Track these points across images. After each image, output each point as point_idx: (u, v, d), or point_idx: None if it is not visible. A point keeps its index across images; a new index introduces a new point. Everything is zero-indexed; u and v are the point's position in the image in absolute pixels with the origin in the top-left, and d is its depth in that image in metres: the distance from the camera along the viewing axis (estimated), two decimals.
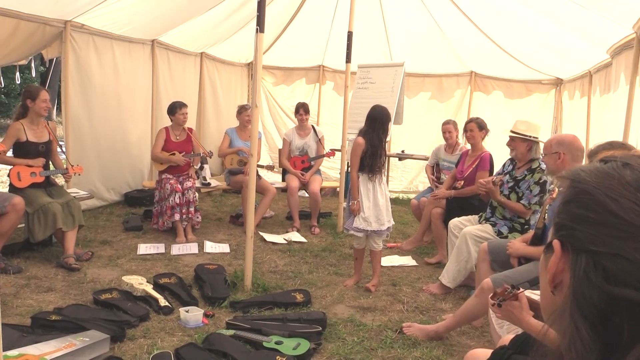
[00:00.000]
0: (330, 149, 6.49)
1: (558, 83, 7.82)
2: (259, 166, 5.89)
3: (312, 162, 6.29)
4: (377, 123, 4.08)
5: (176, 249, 4.93)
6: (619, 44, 4.28)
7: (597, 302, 0.65)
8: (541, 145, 3.97)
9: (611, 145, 2.31)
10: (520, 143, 3.92)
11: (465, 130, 5.05)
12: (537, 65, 7.44)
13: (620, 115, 4.07)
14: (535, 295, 2.10)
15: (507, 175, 4.03)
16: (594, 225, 0.67)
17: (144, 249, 4.88)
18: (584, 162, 3.08)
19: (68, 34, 5.43)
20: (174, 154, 5.48)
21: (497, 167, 4.85)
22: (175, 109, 5.52)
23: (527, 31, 6.15)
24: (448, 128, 5.64)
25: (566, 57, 6.26)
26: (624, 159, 0.72)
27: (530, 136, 3.91)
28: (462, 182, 4.85)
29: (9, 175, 4.41)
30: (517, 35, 6.48)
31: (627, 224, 0.65)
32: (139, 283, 3.78)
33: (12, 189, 4.36)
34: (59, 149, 4.83)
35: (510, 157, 4.15)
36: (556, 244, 0.72)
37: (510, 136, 4.00)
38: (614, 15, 3.74)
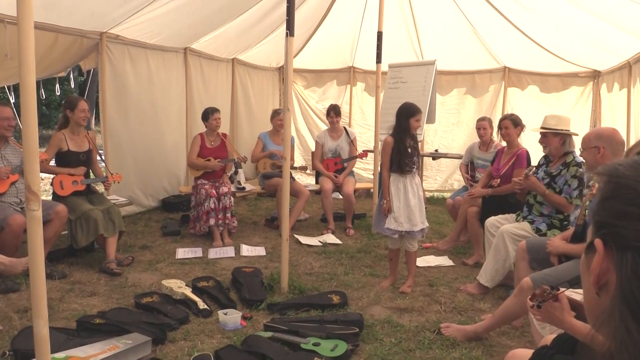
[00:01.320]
0: (363, 150, 6.48)
1: (596, 75, 7.60)
2: (292, 168, 5.93)
3: (345, 164, 6.29)
4: (402, 119, 4.05)
5: (213, 253, 5.00)
6: None
7: None
8: (574, 138, 3.89)
9: None
10: (553, 138, 3.83)
11: (499, 127, 4.98)
12: (572, 58, 7.26)
13: None
14: (576, 294, 2.04)
15: (540, 171, 3.94)
16: (638, 220, 0.64)
17: (182, 253, 4.97)
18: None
19: (104, 45, 5.58)
20: (209, 160, 5.57)
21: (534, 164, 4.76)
22: (207, 114, 5.61)
23: (561, 24, 6.02)
24: (483, 124, 5.57)
25: (603, 48, 6.08)
26: None
27: (562, 129, 3.83)
28: (499, 180, 4.77)
29: (52, 184, 4.58)
30: (550, 29, 6.34)
31: None
32: (178, 287, 3.86)
33: (55, 197, 4.52)
34: (98, 158, 4.97)
35: (544, 154, 4.06)
36: (598, 243, 0.68)
37: (541, 133, 3.91)
38: None
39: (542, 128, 3.91)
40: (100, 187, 5.28)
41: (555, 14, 5.69)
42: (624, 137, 4.49)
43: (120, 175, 4.84)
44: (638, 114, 5.38)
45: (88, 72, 6.29)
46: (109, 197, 5.15)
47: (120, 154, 5.98)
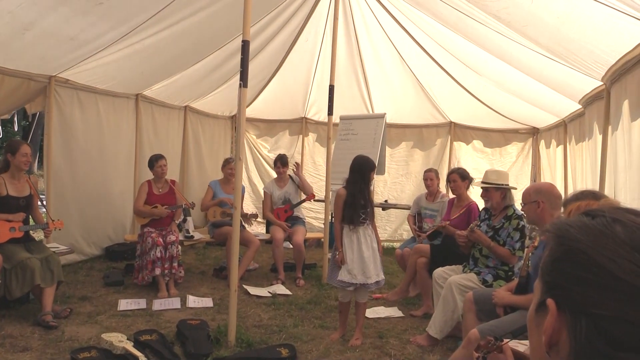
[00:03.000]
0: (311, 193, 6.48)
1: (535, 132, 8.04)
2: (242, 216, 5.87)
3: (295, 210, 6.29)
4: (356, 174, 4.10)
5: (158, 304, 4.82)
6: (590, 95, 4.44)
7: None
8: (513, 192, 4.08)
9: (582, 195, 2.36)
10: (494, 192, 4.01)
11: (448, 180, 5.15)
12: (513, 115, 7.67)
13: (596, 162, 4.18)
14: (520, 345, 2.08)
15: (483, 224, 4.09)
16: (592, 287, 0.64)
17: (125, 304, 4.77)
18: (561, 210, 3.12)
19: (52, 89, 5.48)
20: (156, 207, 5.45)
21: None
22: (152, 162, 5.56)
23: (501, 83, 6.37)
24: (429, 175, 5.74)
25: (541, 108, 6.46)
26: (612, 213, 0.69)
27: (502, 184, 4.01)
28: (448, 222, 4.89)
29: None
30: (493, 87, 6.70)
31: (629, 286, 0.62)
32: (119, 341, 3.68)
33: None
34: (39, 203, 4.77)
35: (484, 207, 4.23)
36: (551, 304, 0.68)
37: (482, 187, 4.08)
38: (584, 68, 3.90)
39: (483, 183, 4.08)
40: (39, 235, 5.05)
41: (496, 74, 6.03)
42: (562, 192, 4.72)
43: (61, 222, 4.64)
44: (574, 170, 5.69)
45: (33, 115, 6.13)
46: (48, 245, 4.92)
47: (64, 200, 5.77)
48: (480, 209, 4.86)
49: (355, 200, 4.04)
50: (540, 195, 3.13)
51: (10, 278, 4.14)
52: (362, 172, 4.09)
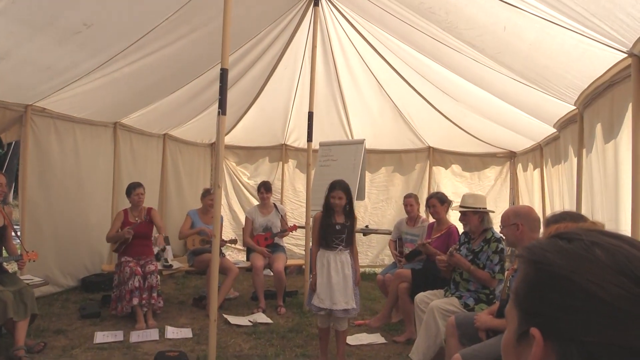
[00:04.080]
0: (293, 224, 6.50)
1: (512, 156, 8.16)
2: (221, 243, 5.80)
3: (275, 239, 6.26)
4: (326, 195, 4.11)
5: (135, 336, 4.70)
6: (564, 119, 4.53)
7: None
8: (492, 215, 4.12)
9: (562, 216, 2.38)
10: (472, 216, 4.05)
11: (427, 206, 5.17)
12: (490, 140, 7.79)
13: (572, 184, 4.25)
14: None
15: (463, 248, 4.11)
16: (581, 314, 0.62)
17: (101, 337, 4.64)
18: (541, 231, 3.15)
19: (29, 117, 5.41)
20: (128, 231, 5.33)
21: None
22: (130, 190, 5.53)
23: (478, 108, 6.48)
24: (409, 201, 5.77)
25: (517, 132, 6.57)
26: (589, 237, 0.67)
27: (480, 208, 4.05)
28: (430, 241, 4.90)
29: None
30: (469, 112, 6.81)
31: (619, 311, 0.61)
32: None
33: None
34: (13, 234, 4.65)
35: (463, 231, 4.26)
36: (537, 333, 0.66)
37: (460, 211, 4.12)
38: (557, 92, 3.99)
39: (461, 207, 4.11)
40: (12, 266, 4.92)
41: (473, 100, 6.14)
42: (540, 214, 4.77)
43: (36, 254, 4.52)
44: (552, 192, 5.77)
45: (9, 144, 6.03)
46: (22, 277, 4.78)
47: (39, 230, 5.64)
48: (460, 232, 4.89)
49: (327, 222, 4.04)
50: (519, 218, 3.16)
51: None
52: (328, 192, 4.10)
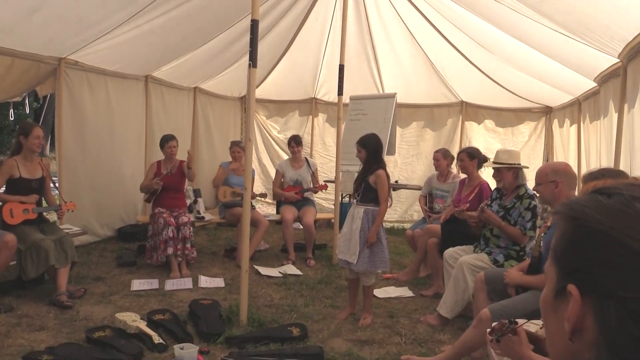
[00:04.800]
0: (324, 182, 6.49)
1: (548, 111, 7.93)
2: (252, 194, 5.89)
3: (305, 194, 6.29)
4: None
5: (170, 285, 4.87)
6: (606, 72, 4.35)
7: (637, 352, 0.61)
8: (525, 171, 4.03)
9: (602, 173, 2.31)
10: (507, 172, 3.96)
11: (458, 159, 5.10)
12: (526, 94, 7.56)
13: (611, 141, 4.12)
14: (532, 325, 2.07)
15: (494, 204, 4.05)
16: (619, 269, 0.62)
17: (138, 284, 4.82)
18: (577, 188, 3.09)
19: (62, 71, 5.47)
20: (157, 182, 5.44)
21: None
22: (163, 142, 5.59)
23: (514, 62, 6.27)
24: (436, 156, 5.72)
25: (555, 86, 6.36)
26: (629, 191, 0.66)
27: (514, 163, 3.96)
28: (467, 205, 4.77)
29: (1, 212, 4.37)
30: (505, 66, 6.60)
31: None
32: (133, 320, 3.72)
33: (4, 226, 4.31)
34: (52, 185, 4.80)
35: (496, 187, 4.18)
36: (574, 290, 0.65)
37: (494, 167, 4.03)
38: (600, 44, 3.82)
39: (495, 163, 4.03)
40: (52, 216, 5.10)
41: (509, 52, 5.93)
42: (575, 171, 4.67)
43: (74, 204, 4.68)
44: (588, 149, 5.61)
45: (44, 97, 6.14)
46: (61, 227, 4.96)
47: (75, 182, 5.80)
48: (492, 188, 4.81)
49: (358, 175, 4.15)
50: (558, 175, 3.07)
51: (25, 259, 4.20)
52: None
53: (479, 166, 5.00)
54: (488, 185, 4.89)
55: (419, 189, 6.67)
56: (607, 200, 0.66)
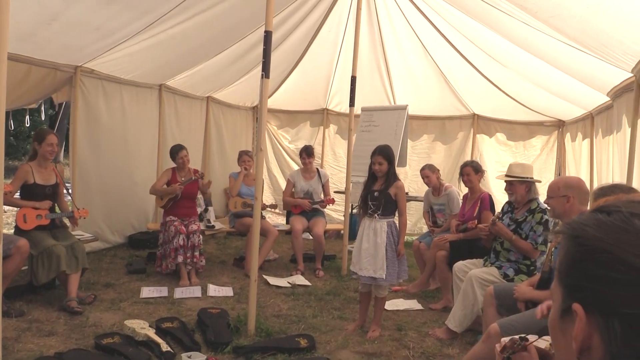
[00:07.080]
0: (332, 197, 6.40)
1: (560, 125, 7.88)
2: (262, 205, 5.90)
3: (315, 206, 6.28)
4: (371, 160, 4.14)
5: (179, 293, 4.88)
6: (619, 87, 4.33)
7: None
8: (537, 185, 4.01)
9: (612, 189, 2.29)
10: (519, 186, 3.95)
11: (461, 174, 5.08)
12: (538, 107, 7.52)
13: (624, 156, 4.08)
14: (543, 342, 2.05)
15: (506, 217, 4.03)
16: (622, 286, 0.62)
17: (147, 292, 4.84)
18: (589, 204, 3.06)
19: (78, 79, 5.55)
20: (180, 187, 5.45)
21: (497, 208, 4.87)
22: (173, 153, 5.60)
23: (527, 75, 6.25)
24: (424, 173, 5.71)
25: (567, 100, 6.33)
26: (628, 208, 0.67)
27: (527, 177, 3.94)
28: (476, 222, 4.73)
29: (15, 218, 4.43)
30: (517, 79, 6.59)
31: None
32: (141, 327, 3.74)
33: (18, 231, 4.37)
34: (65, 192, 4.86)
35: (507, 201, 4.17)
36: (579, 309, 0.66)
37: (507, 181, 4.02)
38: (613, 59, 3.81)
39: (507, 176, 4.02)
40: (65, 222, 5.14)
41: (522, 66, 5.93)
42: (588, 185, 4.64)
43: (87, 211, 4.73)
44: (600, 163, 5.57)
45: (60, 104, 6.23)
46: (73, 233, 5.01)
47: (88, 189, 5.87)
48: (503, 201, 4.80)
49: (368, 188, 4.10)
50: (570, 189, 3.05)
51: (37, 264, 4.24)
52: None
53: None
54: (488, 195, 4.89)
55: None
56: (607, 218, 0.67)
